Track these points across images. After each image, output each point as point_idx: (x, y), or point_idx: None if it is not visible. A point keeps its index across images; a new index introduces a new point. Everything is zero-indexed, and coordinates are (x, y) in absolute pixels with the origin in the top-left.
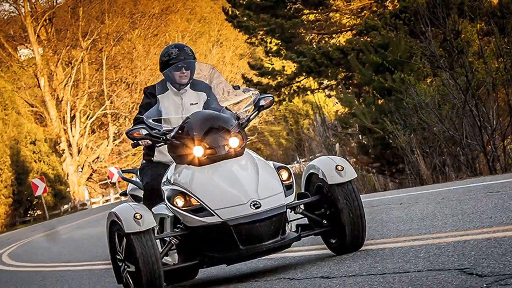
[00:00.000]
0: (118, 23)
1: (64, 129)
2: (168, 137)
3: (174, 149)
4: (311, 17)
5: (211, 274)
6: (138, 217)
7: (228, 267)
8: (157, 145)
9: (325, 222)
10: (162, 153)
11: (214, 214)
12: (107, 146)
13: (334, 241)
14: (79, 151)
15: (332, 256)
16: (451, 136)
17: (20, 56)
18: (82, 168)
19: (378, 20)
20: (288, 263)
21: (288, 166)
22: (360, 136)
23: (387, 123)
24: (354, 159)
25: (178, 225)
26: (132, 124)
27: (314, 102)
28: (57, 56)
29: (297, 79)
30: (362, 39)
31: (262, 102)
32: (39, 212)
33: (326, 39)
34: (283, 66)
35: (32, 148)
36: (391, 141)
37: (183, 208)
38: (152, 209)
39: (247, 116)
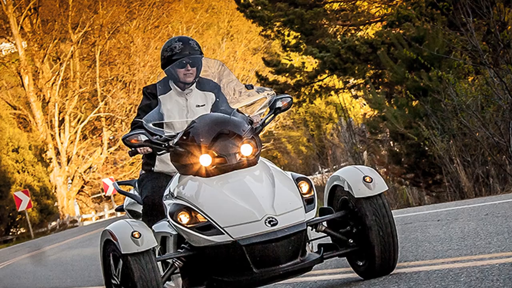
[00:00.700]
0: (114, 12)
1: (52, 135)
2: (170, 144)
3: (177, 158)
4: (335, 6)
5: None
6: (137, 235)
7: None
8: (158, 153)
9: (351, 241)
10: (164, 163)
11: (224, 232)
12: (101, 154)
13: (361, 264)
14: (68, 160)
15: (360, 281)
16: (496, 143)
17: (0, 50)
18: (72, 180)
19: (412, 10)
20: None
21: (309, 177)
22: (391, 142)
23: (423, 127)
24: (385, 169)
25: (182, 245)
26: (130, 129)
27: (338, 103)
28: (44, 51)
29: (319, 77)
30: (393, 31)
31: (279, 104)
32: (22, 230)
33: (353, 31)
34: (303, 63)
35: (15, 157)
36: (427, 148)
37: (188, 226)
38: (153, 227)
39: (261, 119)
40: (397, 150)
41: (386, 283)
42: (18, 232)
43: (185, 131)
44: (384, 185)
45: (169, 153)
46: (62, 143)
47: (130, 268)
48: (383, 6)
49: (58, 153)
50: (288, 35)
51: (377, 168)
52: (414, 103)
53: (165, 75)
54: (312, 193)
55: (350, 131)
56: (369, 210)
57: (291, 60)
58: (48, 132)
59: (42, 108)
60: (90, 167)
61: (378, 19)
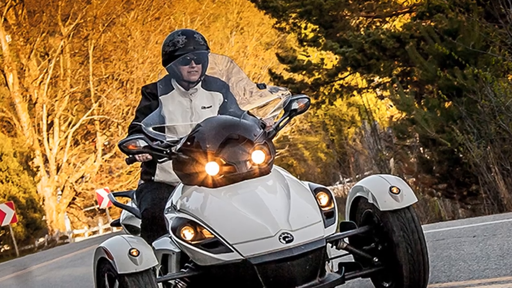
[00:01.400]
0: (109, 2)
1: (39, 140)
2: (173, 151)
3: (180, 166)
4: None
5: None
6: (135, 253)
7: None
8: (159, 160)
9: (376, 260)
10: (165, 171)
11: (233, 249)
12: (95, 162)
13: (387, 285)
14: (58, 169)
15: None
16: None
17: None
18: (62, 191)
19: None
20: None
21: (329, 187)
22: (421, 149)
23: (456, 132)
24: (414, 179)
25: (186, 264)
26: (127, 134)
27: (361, 105)
28: (30, 45)
29: (339, 76)
30: (424, 24)
31: (294, 105)
32: (6, 247)
33: (378, 24)
34: (322, 59)
35: None
36: (461, 155)
37: (193, 242)
38: (153, 244)
39: (275, 123)
40: (428, 157)
41: None
42: (2, 250)
43: (189, 136)
44: (413, 196)
45: (171, 161)
46: (51, 150)
47: None
48: None
49: (46, 161)
50: (305, 28)
51: (405, 178)
52: (446, 105)
53: (167, 73)
54: (332, 205)
55: (375, 136)
56: (396, 225)
57: (309, 56)
58: (35, 137)
59: (28, 110)
60: (82, 177)
61: (406, 9)
